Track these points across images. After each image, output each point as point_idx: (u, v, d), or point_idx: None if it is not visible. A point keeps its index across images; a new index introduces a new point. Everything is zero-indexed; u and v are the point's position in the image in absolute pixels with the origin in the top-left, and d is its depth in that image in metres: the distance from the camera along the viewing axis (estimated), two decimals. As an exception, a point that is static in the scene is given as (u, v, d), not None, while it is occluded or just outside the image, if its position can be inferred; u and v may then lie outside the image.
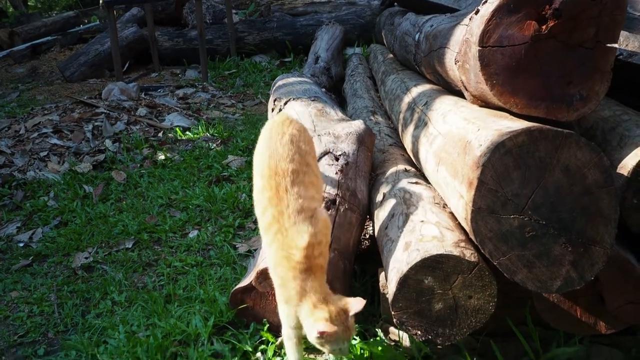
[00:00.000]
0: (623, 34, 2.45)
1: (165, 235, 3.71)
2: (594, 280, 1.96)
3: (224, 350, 2.51)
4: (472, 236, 1.92)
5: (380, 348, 2.34)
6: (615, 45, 2.02)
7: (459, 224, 2.16)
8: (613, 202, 1.85)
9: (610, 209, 1.85)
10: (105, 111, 6.09)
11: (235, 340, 2.53)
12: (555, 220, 1.85)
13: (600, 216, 1.85)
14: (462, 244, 2.03)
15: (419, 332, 2.07)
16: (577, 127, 2.32)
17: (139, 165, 5.01)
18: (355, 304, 2.00)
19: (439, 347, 2.38)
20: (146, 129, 5.87)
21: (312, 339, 2.00)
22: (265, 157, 2.23)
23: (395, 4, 7.35)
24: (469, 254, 1.98)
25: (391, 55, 5.79)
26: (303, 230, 2.05)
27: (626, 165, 2.04)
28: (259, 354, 2.48)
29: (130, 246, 3.65)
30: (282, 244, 2.04)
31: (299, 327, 2.09)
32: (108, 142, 5.43)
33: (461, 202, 1.94)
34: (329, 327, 1.93)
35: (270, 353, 2.42)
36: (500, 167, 1.82)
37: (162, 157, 5.09)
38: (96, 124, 5.80)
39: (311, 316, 1.99)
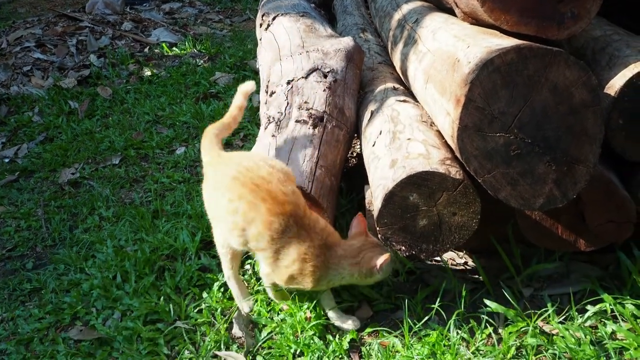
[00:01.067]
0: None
1: (153, 152, 3.70)
2: (576, 199, 1.99)
3: (211, 264, 2.56)
4: (457, 154, 1.92)
5: (364, 263, 2.39)
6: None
7: (446, 142, 2.16)
8: (599, 122, 1.85)
9: (596, 128, 1.86)
10: (90, 25, 5.94)
11: (223, 255, 2.57)
12: (541, 138, 1.85)
13: (585, 135, 1.86)
14: (448, 162, 2.04)
15: (403, 248, 2.11)
16: (567, 47, 2.29)
17: (124, 81, 4.94)
18: (358, 225, 2.17)
19: (422, 262, 2.43)
20: (132, 44, 5.74)
21: (375, 278, 2.11)
22: (263, 189, 2.03)
23: None
24: (454, 172, 2.00)
25: (383, -29, 5.62)
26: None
27: (614, 86, 2.03)
28: (247, 266, 2.53)
29: (117, 162, 3.64)
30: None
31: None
32: (93, 57, 5.32)
33: (448, 120, 1.93)
34: (383, 257, 2.04)
35: (257, 266, 2.47)
36: (488, 84, 1.80)
37: (149, 73, 5.02)
38: (80, 38, 5.66)
39: (361, 266, 2.08)
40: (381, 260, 2.04)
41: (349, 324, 2.20)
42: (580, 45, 2.35)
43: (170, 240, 2.71)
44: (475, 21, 2.24)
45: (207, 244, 2.68)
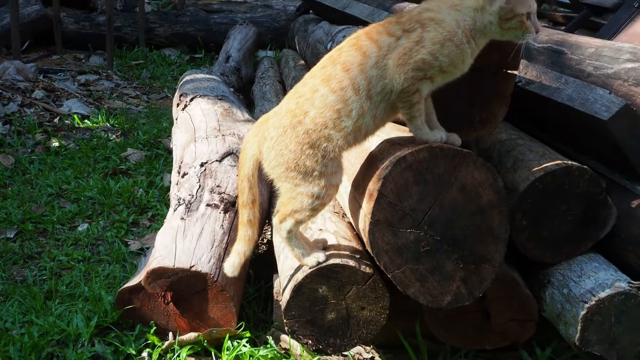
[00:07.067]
0: (523, 62, 2.55)
1: (52, 227, 3.51)
2: (481, 297, 2.01)
3: (106, 352, 2.39)
4: (368, 248, 1.92)
5: (270, 356, 2.30)
6: (516, 72, 2.09)
7: (357, 234, 2.16)
8: (504, 222, 1.91)
9: (501, 228, 1.91)
10: (-2, 91, 5.73)
11: (119, 342, 2.42)
12: (450, 236, 1.88)
13: (491, 235, 1.91)
14: (358, 255, 2.03)
15: (310, 342, 2.06)
16: (475, 148, 2.39)
17: (29, 150, 4.73)
18: None
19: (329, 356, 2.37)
20: (41, 113, 5.56)
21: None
22: None
23: (311, 11, 7.36)
24: (364, 266, 1.99)
25: (302, 62, 5.80)
26: None
27: (518, 188, 2.11)
28: (144, 354, 2.37)
29: (11, 236, 3.42)
30: None
31: None
32: (-3, 124, 5.10)
33: (360, 213, 1.94)
34: None
35: (155, 357, 2.33)
36: (400, 181, 1.83)
37: (56, 144, 4.84)
38: (-14, 103, 5.44)
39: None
40: None
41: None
42: (487, 147, 2.45)
43: (62, 324, 2.52)
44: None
45: (103, 330, 2.51)
